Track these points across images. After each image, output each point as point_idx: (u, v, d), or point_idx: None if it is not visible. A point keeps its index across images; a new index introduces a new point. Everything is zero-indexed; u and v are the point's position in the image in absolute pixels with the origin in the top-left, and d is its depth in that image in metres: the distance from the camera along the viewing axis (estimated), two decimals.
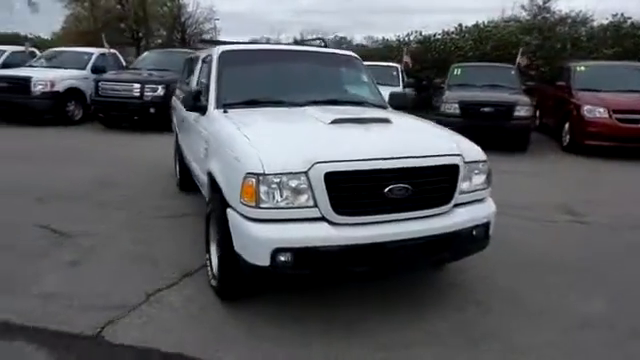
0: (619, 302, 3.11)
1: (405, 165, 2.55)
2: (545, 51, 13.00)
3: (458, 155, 2.76)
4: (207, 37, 57.19)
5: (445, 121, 8.37)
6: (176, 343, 2.53)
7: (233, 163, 2.63)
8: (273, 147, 2.56)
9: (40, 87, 10.79)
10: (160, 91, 10.11)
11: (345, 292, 3.12)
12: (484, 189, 2.98)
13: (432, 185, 2.67)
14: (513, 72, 9.74)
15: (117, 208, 4.91)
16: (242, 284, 2.80)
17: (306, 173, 2.40)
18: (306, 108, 3.31)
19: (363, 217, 2.51)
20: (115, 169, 6.65)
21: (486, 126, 8.18)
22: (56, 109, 11.02)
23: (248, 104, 3.48)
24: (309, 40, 5.06)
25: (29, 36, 27.00)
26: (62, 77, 11.25)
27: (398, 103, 4.18)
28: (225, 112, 3.34)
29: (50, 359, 2.36)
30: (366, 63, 11.33)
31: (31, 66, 12.15)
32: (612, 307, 3.04)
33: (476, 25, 14.40)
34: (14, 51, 13.56)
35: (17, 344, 2.48)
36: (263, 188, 2.38)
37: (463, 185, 2.83)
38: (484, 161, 2.96)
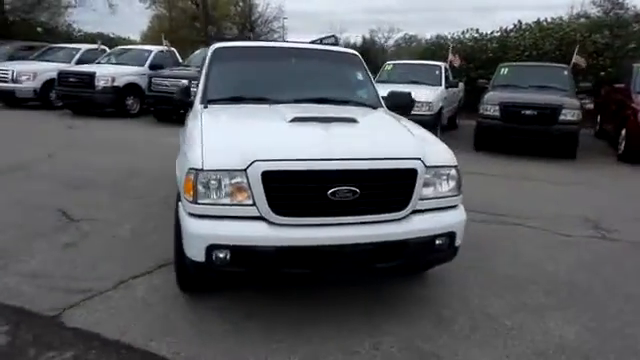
0: (605, 333, 2.76)
1: (352, 167, 2.44)
2: (613, 51, 11.87)
3: (416, 159, 2.58)
4: (275, 36, 58.75)
5: (484, 123, 8.00)
6: (123, 331, 2.61)
7: (183, 158, 2.66)
8: (220, 144, 2.56)
9: (102, 82, 11.65)
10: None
11: (307, 292, 3.07)
12: (453, 196, 2.77)
13: (384, 189, 2.53)
14: (566, 72, 8.97)
15: (133, 197, 5.16)
16: (193, 278, 2.82)
17: (245, 171, 2.37)
18: (281, 106, 3.27)
19: (304, 218, 2.43)
20: (149, 160, 7.01)
21: (528, 130, 7.66)
22: (116, 103, 11.86)
23: (231, 100, 3.51)
24: (324, 38, 4.99)
25: (111, 35, 29.23)
26: (122, 73, 12.07)
27: (395, 103, 4.03)
28: (205, 107, 3.40)
29: (2, 334, 2.54)
30: (408, 62, 11.12)
31: (99, 63, 13.13)
32: (594, 338, 2.70)
33: (537, 22, 13.44)
34: (88, 49, 14.71)
35: None
36: (201, 184, 2.39)
37: (426, 191, 2.65)
38: (453, 167, 2.76)
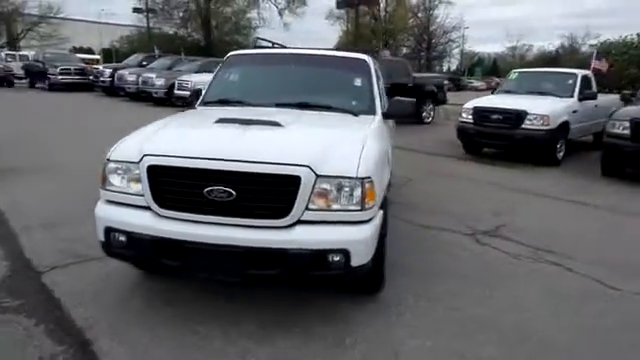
0: None
1: (226, 168, 2.43)
2: None
3: (303, 166, 2.43)
4: (454, 45, 56.64)
5: (609, 143, 6.59)
6: (69, 293, 3.05)
7: None
8: (136, 138, 2.82)
9: None
10: None
11: (234, 290, 3.11)
12: (354, 211, 2.50)
13: (263, 194, 2.45)
14: None
15: None
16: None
17: (138, 163, 2.60)
18: (250, 109, 3.40)
19: (182, 213, 2.52)
20: None
21: None
22: None
23: (219, 103, 3.76)
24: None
25: None
26: None
27: (398, 111, 3.75)
28: (194, 108, 3.74)
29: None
30: (536, 70, 9.72)
31: None
32: None
33: None
34: None
35: None
36: (106, 172, 2.70)
37: (318, 201, 2.47)
38: (356, 179, 2.48)
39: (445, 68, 65.10)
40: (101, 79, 20.70)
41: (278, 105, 3.56)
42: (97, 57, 33.78)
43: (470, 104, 8.38)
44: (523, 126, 7.50)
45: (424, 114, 13.58)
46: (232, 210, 2.47)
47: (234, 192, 2.43)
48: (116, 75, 19.47)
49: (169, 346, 2.55)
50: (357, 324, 2.80)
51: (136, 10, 35.11)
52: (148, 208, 2.60)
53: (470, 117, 8.17)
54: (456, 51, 58.93)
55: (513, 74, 9.45)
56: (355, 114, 3.54)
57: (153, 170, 2.53)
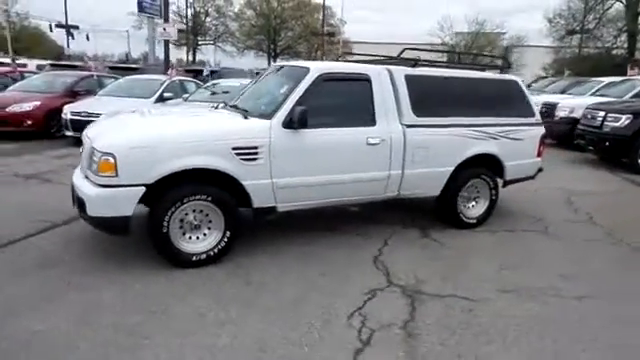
0: None
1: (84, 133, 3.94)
2: None
3: (88, 138, 3.60)
4: None
5: None
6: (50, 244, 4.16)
7: None
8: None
9: (562, 112, 11.41)
10: (624, 121, 8.55)
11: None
12: (94, 174, 3.39)
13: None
14: None
15: None
16: None
17: None
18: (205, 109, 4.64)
19: None
20: None
21: None
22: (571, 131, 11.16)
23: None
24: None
25: None
26: (581, 104, 11.09)
27: (294, 118, 3.69)
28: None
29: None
30: None
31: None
32: None
33: None
34: (609, 82, 13.40)
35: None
36: None
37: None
38: (97, 151, 3.33)
39: None
40: None
41: (228, 106, 4.48)
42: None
43: None
44: None
45: None
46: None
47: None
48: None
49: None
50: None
51: (570, 32, 33.72)
52: None
53: None
54: None
55: None
56: (245, 117, 3.86)
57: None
